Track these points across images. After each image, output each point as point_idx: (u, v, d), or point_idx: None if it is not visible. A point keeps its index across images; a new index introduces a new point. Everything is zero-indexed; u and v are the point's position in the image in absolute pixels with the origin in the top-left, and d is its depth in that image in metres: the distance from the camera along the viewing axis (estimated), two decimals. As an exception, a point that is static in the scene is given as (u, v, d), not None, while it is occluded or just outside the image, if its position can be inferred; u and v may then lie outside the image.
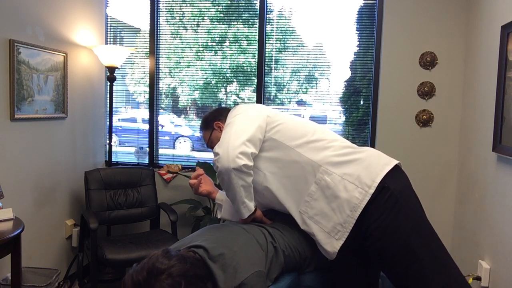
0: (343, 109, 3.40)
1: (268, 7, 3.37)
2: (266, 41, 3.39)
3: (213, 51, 3.49)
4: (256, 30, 3.39)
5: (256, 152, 1.59)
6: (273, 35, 3.39)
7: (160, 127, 3.64)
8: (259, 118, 1.65)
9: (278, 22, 3.39)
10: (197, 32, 3.52)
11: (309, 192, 1.58)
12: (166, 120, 3.70)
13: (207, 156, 3.70)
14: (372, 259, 1.61)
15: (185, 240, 1.53)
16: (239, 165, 1.51)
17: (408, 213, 1.51)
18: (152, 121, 3.57)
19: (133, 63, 3.64)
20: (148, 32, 3.51)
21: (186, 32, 3.53)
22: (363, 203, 1.50)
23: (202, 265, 1.35)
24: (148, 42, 3.51)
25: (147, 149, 3.61)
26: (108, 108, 3.46)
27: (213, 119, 1.85)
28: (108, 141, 3.38)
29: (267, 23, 3.38)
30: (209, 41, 3.49)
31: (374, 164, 1.57)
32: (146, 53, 3.55)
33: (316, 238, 1.58)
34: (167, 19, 3.54)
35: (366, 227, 1.50)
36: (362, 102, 3.34)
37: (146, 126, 3.62)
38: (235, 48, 3.46)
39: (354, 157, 1.60)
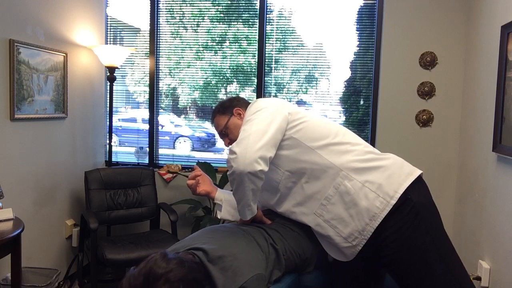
0: (343, 109, 3.40)
1: (268, 7, 3.37)
2: (266, 41, 3.39)
3: (213, 51, 3.49)
4: (256, 30, 3.39)
5: (273, 155, 1.51)
6: (273, 35, 3.39)
7: (160, 127, 3.63)
8: (280, 117, 1.55)
9: (278, 22, 3.39)
10: (197, 32, 3.52)
11: (326, 196, 1.54)
12: (166, 120, 3.70)
13: (207, 156, 3.70)
14: (385, 268, 1.59)
15: (184, 242, 1.50)
16: (256, 170, 1.42)
17: (427, 227, 1.48)
18: (152, 121, 3.57)
19: (133, 63, 3.64)
20: (148, 32, 3.51)
21: (186, 32, 3.53)
22: (383, 213, 1.46)
23: (200, 269, 1.32)
24: (148, 42, 3.51)
25: (147, 149, 3.61)
26: (108, 108, 3.46)
27: (232, 105, 1.77)
28: (108, 141, 3.38)
29: (267, 23, 3.38)
30: (209, 41, 3.49)
31: (397, 173, 1.53)
32: (146, 53, 3.55)
33: (333, 241, 1.55)
34: (167, 19, 3.53)
35: (384, 237, 1.48)
36: (362, 102, 3.34)
37: (146, 126, 3.62)
38: (235, 48, 3.46)
39: (377, 164, 1.55)
